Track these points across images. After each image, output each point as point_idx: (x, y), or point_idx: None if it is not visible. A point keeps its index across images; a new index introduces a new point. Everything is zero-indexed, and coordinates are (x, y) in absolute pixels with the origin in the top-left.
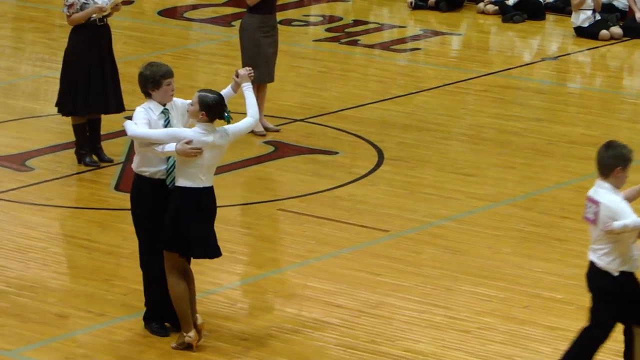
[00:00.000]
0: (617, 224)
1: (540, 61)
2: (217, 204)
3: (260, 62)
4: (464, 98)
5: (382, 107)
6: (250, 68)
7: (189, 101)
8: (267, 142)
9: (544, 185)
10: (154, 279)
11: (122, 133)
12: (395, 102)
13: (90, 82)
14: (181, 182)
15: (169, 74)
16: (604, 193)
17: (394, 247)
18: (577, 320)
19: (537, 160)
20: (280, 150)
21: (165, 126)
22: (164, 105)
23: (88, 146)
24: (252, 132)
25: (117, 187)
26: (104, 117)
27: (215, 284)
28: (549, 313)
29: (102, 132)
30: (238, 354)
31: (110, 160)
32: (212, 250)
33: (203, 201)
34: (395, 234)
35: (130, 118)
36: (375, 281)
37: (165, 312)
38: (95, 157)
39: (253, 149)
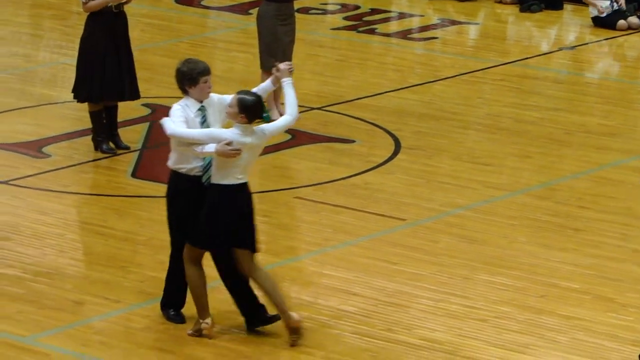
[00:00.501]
0: None
1: (557, 51)
2: None
3: (277, 51)
4: (481, 87)
5: (399, 96)
6: (290, 63)
7: (226, 96)
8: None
9: (561, 174)
10: (181, 271)
11: (139, 120)
12: (412, 91)
13: (105, 69)
14: (218, 179)
15: (206, 71)
16: None
17: (410, 236)
18: (593, 310)
19: (554, 149)
20: (297, 138)
21: (202, 124)
22: (201, 102)
23: (105, 133)
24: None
25: (134, 174)
26: (120, 104)
27: None
28: (566, 302)
29: (118, 119)
30: (254, 342)
31: (127, 147)
32: (247, 243)
33: (239, 198)
34: (412, 223)
35: (157, 111)
36: (392, 270)
37: (182, 302)
38: (112, 144)
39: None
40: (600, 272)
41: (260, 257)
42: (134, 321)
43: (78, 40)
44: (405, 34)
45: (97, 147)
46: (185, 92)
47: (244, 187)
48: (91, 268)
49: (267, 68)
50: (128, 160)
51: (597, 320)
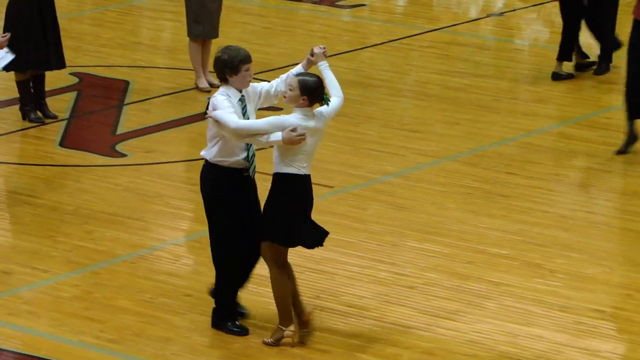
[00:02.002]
0: None
1: (485, 17)
2: (164, 160)
3: (204, 18)
4: (409, 54)
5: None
6: (325, 46)
7: (257, 84)
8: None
9: (489, 141)
10: (233, 272)
11: (67, 89)
12: (340, 59)
13: (30, 38)
14: (283, 169)
15: (248, 58)
16: None
17: (338, 203)
18: (521, 275)
19: (482, 116)
20: None
21: (244, 114)
22: (240, 91)
23: (32, 102)
24: (197, 88)
25: (62, 144)
26: (48, 73)
27: (160, 240)
28: (493, 269)
29: (46, 89)
30: (183, 309)
31: (55, 117)
32: (319, 237)
33: (306, 188)
34: (340, 190)
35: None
36: None
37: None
38: (39, 114)
39: (198, 105)
40: (527, 238)
41: (189, 226)
42: (62, 290)
43: (3, 9)
44: (332, 1)
45: (25, 116)
46: (224, 81)
47: (307, 179)
48: (19, 238)
49: (194, 36)
50: (56, 130)
51: (524, 286)
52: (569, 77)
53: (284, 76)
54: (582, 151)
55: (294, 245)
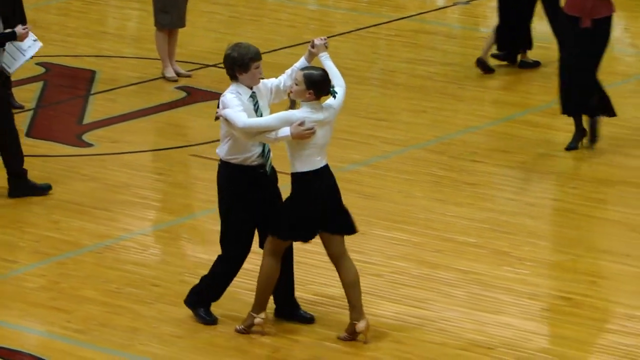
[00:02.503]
0: None
1: (452, 5)
2: (130, 150)
3: (172, 8)
4: (376, 43)
5: (294, 52)
6: (326, 37)
7: (267, 80)
8: (178, 88)
9: (456, 129)
10: (237, 267)
11: (33, 79)
12: (306, 47)
13: None
14: (298, 167)
15: (258, 56)
16: None
17: None
18: (489, 263)
19: (448, 104)
20: (192, 95)
21: (256, 112)
22: (251, 88)
23: None
24: (164, 77)
25: (29, 134)
26: None
27: (127, 229)
28: (461, 257)
29: (12, 79)
30: (150, 299)
31: (22, 107)
32: (349, 225)
33: (324, 180)
34: None
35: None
36: None
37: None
38: None
39: (165, 94)
40: (495, 226)
41: (156, 215)
42: (29, 281)
43: None
44: None
45: None
46: (234, 79)
47: (325, 170)
48: None
49: (162, 25)
50: (22, 120)
51: (492, 274)
52: (535, 64)
53: (289, 71)
54: (548, 139)
55: (303, 239)
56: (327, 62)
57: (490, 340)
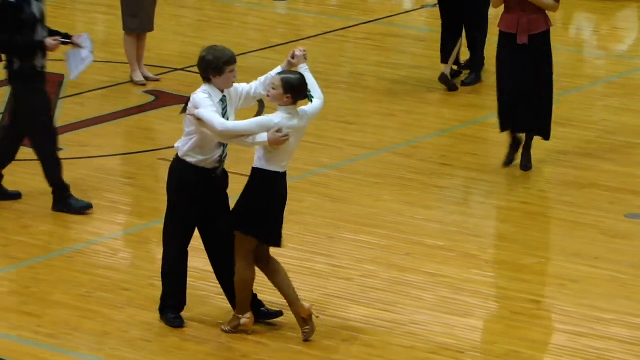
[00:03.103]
0: None
1: (420, 9)
2: (99, 154)
3: (139, 11)
4: (344, 46)
5: (262, 56)
6: (305, 49)
7: (239, 85)
8: (147, 92)
9: (424, 132)
10: (176, 268)
11: (2, 84)
12: (275, 51)
13: None
14: (265, 165)
15: (232, 59)
16: None
17: None
18: (457, 267)
19: (416, 107)
20: (161, 99)
21: (224, 115)
22: (222, 92)
23: None
24: (132, 81)
25: None
26: None
27: (97, 234)
28: (430, 260)
29: None
30: (121, 304)
31: None
32: (275, 238)
33: (281, 186)
34: None
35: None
36: None
37: (182, 303)
38: None
39: (133, 98)
40: (464, 229)
41: (126, 219)
42: None
43: None
44: None
45: None
46: (207, 81)
47: (285, 176)
48: None
49: (130, 30)
50: None
51: (461, 277)
52: (457, 73)
53: (262, 78)
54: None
55: (266, 239)
56: (307, 74)
57: (460, 344)
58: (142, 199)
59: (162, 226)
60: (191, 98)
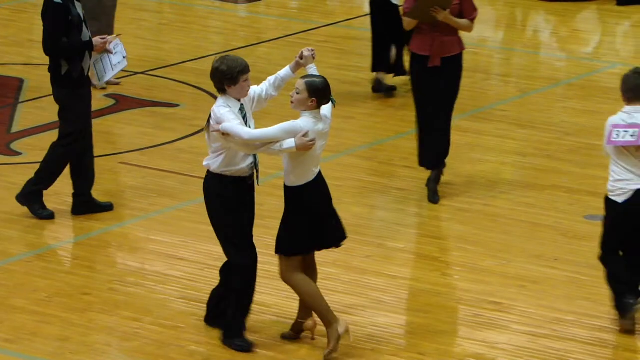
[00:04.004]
0: None
1: None
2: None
3: (99, 15)
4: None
5: None
6: (313, 49)
7: (252, 88)
8: (107, 95)
9: (385, 135)
10: (253, 276)
11: None
12: (236, 54)
13: None
14: (294, 180)
15: (246, 69)
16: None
17: None
18: (418, 269)
19: (377, 110)
20: (121, 103)
21: (245, 123)
22: (239, 100)
23: None
24: (93, 85)
25: None
26: None
27: (57, 238)
28: (391, 262)
29: None
30: (80, 308)
31: None
32: (339, 236)
33: (319, 189)
34: None
35: None
36: None
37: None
38: None
39: (93, 102)
40: (424, 232)
41: (86, 224)
42: None
43: None
44: None
45: None
46: (222, 91)
47: (318, 179)
48: None
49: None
50: None
51: (422, 280)
52: (390, 89)
53: (271, 79)
54: (477, 143)
55: (328, 244)
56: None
57: (421, 346)
58: None
59: (123, 230)
60: (211, 113)
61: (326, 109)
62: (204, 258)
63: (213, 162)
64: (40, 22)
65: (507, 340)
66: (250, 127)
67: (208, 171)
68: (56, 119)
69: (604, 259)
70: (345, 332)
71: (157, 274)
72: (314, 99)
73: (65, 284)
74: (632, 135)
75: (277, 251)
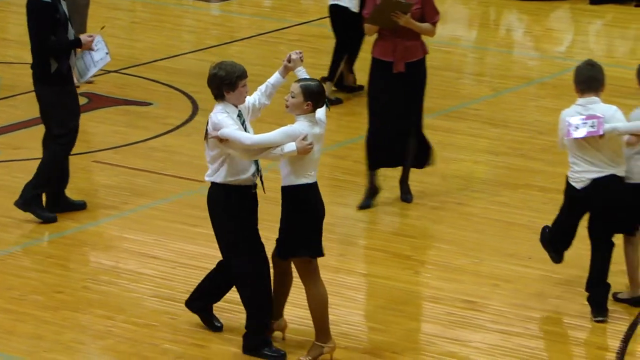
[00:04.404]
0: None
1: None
2: (32, 157)
3: (73, 13)
4: (278, 48)
5: (196, 58)
6: (301, 51)
7: (247, 98)
8: (80, 94)
9: (357, 133)
10: (266, 282)
11: None
12: (209, 53)
13: None
14: (295, 180)
15: (245, 74)
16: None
17: None
18: (391, 267)
19: (350, 109)
20: (94, 101)
21: (244, 129)
22: (236, 106)
23: None
24: None
25: None
26: None
27: (31, 237)
28: (364, 261)
29: None
30: (54, 306)
31: None
32: (317, 249)
33: (318, 195)
34: None
35: None
36: (192, 232)
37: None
38: None
39: None
40: (397, 230)
41: (59, 222)
42: None
43: None
44: None
45: None
46: (221, 98)
47: (316, 185)
48: None
49: None
50: None
51: (395, 278)
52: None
53: (262, 87)
54: (452, 142)
55: (318, 253)
56: (306, 77)
57: (394, 344)
58: None
59: (97, 229)
60: (209, 120)
61: (320, 112)
62: (177, 256)
63: (217, 175)
64: (16, 21)
65: (480, 338)
66: (249, 131)
67: (212, 183)
68: (30, 117)
69: (549, 233)
70: (327, 353)
71: (131, 273)
72: (309, 102)
73: (39, 283)
74: (591, 126)
75: (287, 256)
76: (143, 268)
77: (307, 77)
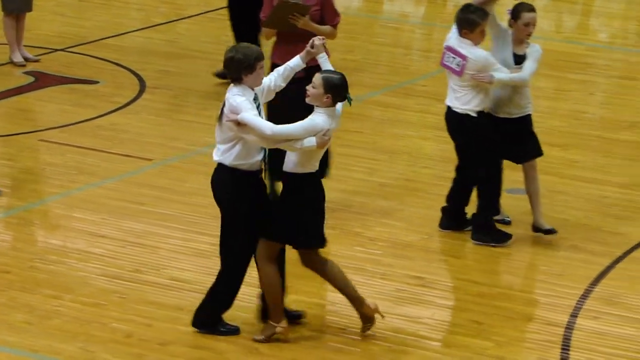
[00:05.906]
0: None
1: None
2: None
3: None
4: (226, 25)
5: (143, 35)
6: (324, 37)
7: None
8: (26, 73)
9: None
10: (239, 282)
11: None
12: (156, 30)
13: None
14: (300, 169)
15: (262, 55)
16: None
17: (158, 176)
18: (341, 244)
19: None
20: (41, 80)
21: (258, 113)
22: (253, 89)
23: None
24: (12, 62)
25: None
26: None
27: None
28: None
29: None
30: (1, 287)
31: None
32: (319, 240)
33: (320, 186)
34: (159, 163)
35: None
36: (140, 210)
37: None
38: None
39: (12, 79)
40: (347, 207)
41: (6, 202)
42: None
43: None
44: None
45: None
46: (238, 81)
47: (318, 174)
48: None
49: (9, 11)
50: None
51: (345, 255)
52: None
53: (281, 69)
54: (400, 119)
55: (322, 244)
56: (326, 64)
57: (344, 321)
58: (23, 180)
59: (44, 208)
60: (226, 102)
61: (338, 106)
62: (126, 235)
63: (227, 155)
64: None
65: (430, 314)
66: (261, 117)
67: (219, 164)
68: None
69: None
70: (280, 333)
71: (79, 252)
72: (329, 95)
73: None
74: (457, 65)
75: (299, 246)
76: (91, 247)
77: (331, 68)
